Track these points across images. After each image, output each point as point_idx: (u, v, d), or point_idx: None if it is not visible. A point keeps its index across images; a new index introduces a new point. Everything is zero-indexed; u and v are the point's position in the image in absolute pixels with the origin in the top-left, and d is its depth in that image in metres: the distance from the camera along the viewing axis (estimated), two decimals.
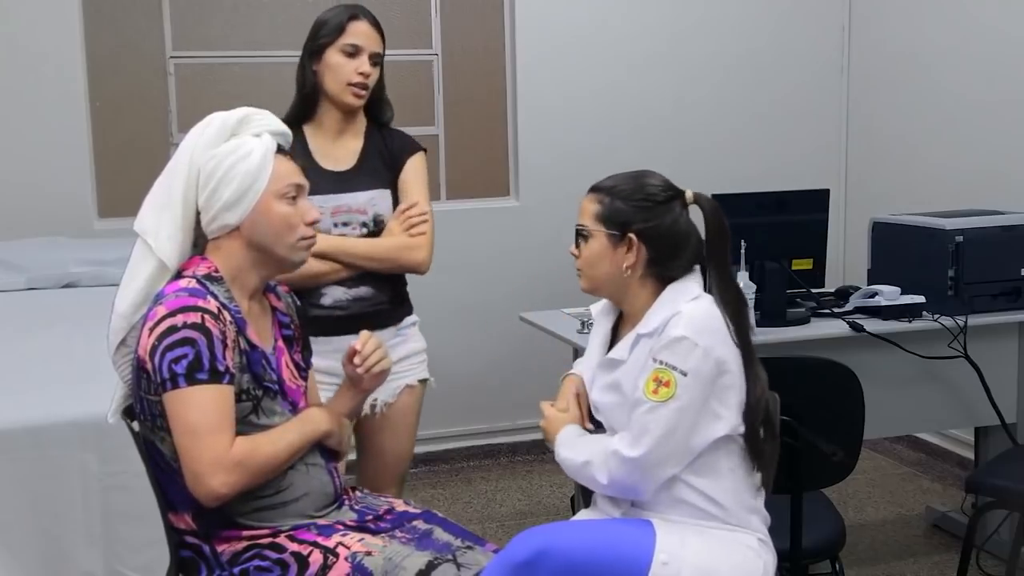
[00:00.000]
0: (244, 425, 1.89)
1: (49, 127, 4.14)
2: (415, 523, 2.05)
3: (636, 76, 4.77)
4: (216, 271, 1.94)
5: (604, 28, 4.73)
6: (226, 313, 1.88)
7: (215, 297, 1.88)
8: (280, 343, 2.06)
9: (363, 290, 2.61)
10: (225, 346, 1.84)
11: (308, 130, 2.63)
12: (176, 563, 1.95)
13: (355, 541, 1.90)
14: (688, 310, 1.96)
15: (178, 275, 1.94)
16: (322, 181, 2.54)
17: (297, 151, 2.56)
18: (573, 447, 2.07)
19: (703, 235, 2.06)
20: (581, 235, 2.07)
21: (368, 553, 1.87)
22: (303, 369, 2.11)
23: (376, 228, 2.61)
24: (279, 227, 1.95)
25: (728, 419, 1.96)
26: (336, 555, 1.86)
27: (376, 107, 2.68)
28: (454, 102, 4.70)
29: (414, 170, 2.66)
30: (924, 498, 4.16)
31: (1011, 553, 3.10)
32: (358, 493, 2.16)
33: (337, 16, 2.57)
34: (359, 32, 2.55)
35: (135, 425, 2.02)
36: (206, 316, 1.83)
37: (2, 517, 2.36)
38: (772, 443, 2.03)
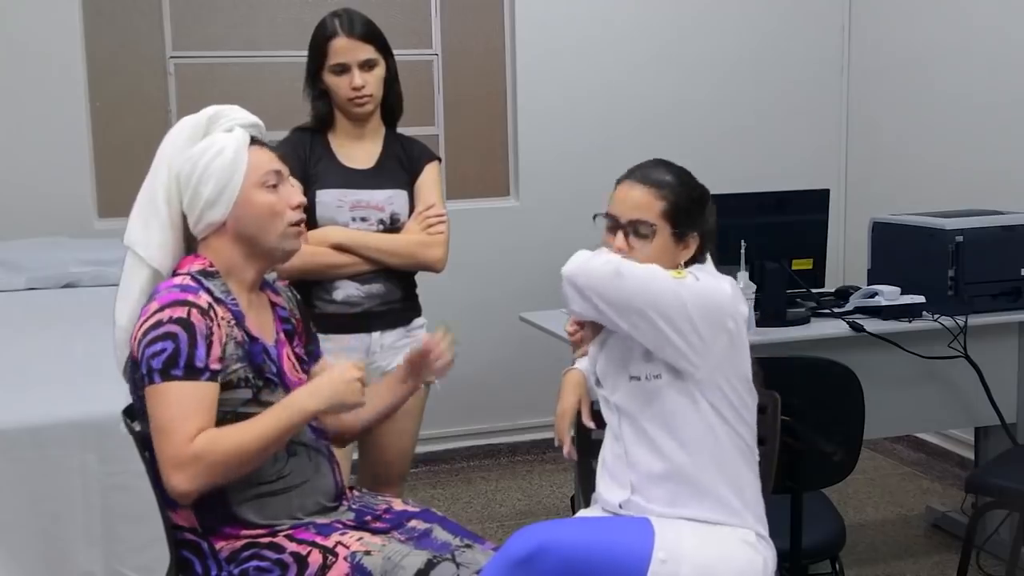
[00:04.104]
0: (243, 415, 1.88)
1: (49, 127, 4.14)
2: (413, 522, 2.05)
3: (636, 76, 4.77)
4: (211, 266, 1.95)
5: (604, 28, 4.73)
6: (219, 308, 1.89)
7: (209, 293, 1.89)
8: (282, 336, 2.06)
9: (376, 287, 2.64)
10: (210, 343, 1.84)
11: (330, 135, 2.70)
12: (176, 562, 1.95)
13: (354, 540, 1.90)
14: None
15: (174, 274, 1.95)
16: (343, 176, 2.64)
17: (320, 151, 2.62)
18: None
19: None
20: (640, 232, 2.00)
21: (367, 552, 1.86)
22: (305, 362, 2.11)
23: (392, 226, 2.66)
24: (264, 216, 1.95)
25: (690, 354, 1.93)
26: (335, 555, 1.86)
27: (389, 102, 2.72)
28: (454, 102, 4.70)
29: (431, 176, 2.73)
30: (924, 498, 4.15)
31: (1011, 553, 3.10)
32: (356, 493, 2.16)
33: (317, 37, 2.64)
34: (338, 49, 2.60)
35: (136, 424, 2.02)
36: (193, 311, 1.83)
37: (2, 517, 2.36)
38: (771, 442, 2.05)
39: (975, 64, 4.23)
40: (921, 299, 3.22)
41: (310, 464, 2.00)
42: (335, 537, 1.91)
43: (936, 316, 3.19)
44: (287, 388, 1.99)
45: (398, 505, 2.13)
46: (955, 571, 2.92)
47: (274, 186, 1.97)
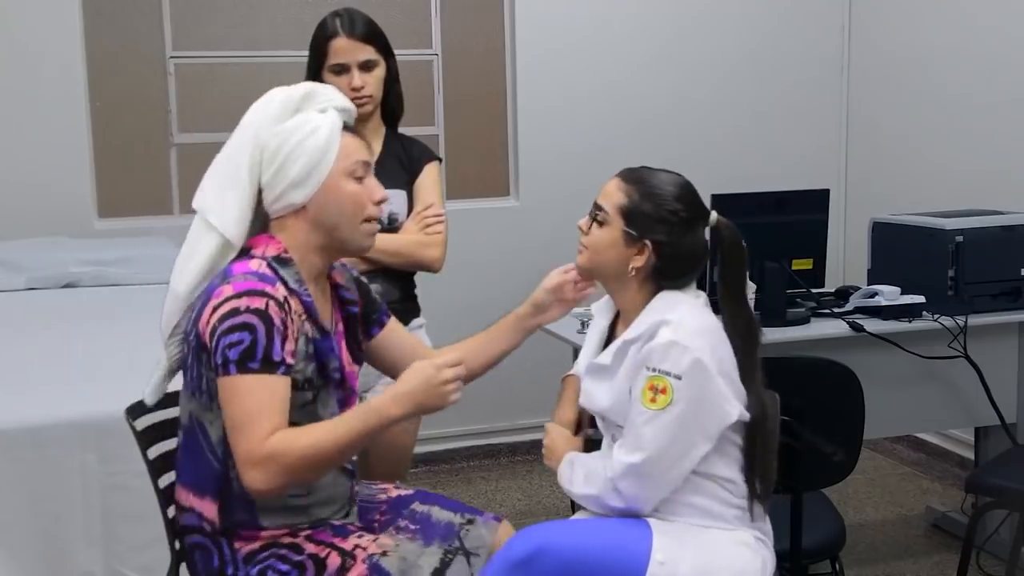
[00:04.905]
0: (304, 415, 1.84)
1: (49, 127, 4.13)
2: (413, 507, 2.06)
3: (636, 76, 4.77)
4: (285, 251, 1.89)
5: (604, 28, 4.73)
6: (294, 300, 1.84)
7: (285, 284, 1.84)
8: (341, 326, 2.02)
9: (373, 287, 2.63)
10: (285, 337, 1.78)
11: None
12: (190, 549, 1.93)
13: (371, 543, 1.91)
14: (677, 317, 1.95)
15: (245, 253, 1.89)
16: None
17: None
18: (574, 482, 2.07)
19: (720, 255, 2.06)
20: (597, 218, 2.04)
21: (384, 553, 1.88)
22: (360, 352, 2.08)
23: (390, 226, 2.66)
24: (348, 205, 1.90)
25: (735, 404, 1.96)
26: (353, 557, 1.87)
27: (389, 103, 2.72)
28: (454, 102, 4.70)
29: (430, 176, 2.72)
30: (924, 498, 4.15)
31: (1011, 553, 3.10)
32: (355, 487, 2.16)
33: (318, 36, 2.63)
34: (338, 50, 2.60)
35: (148, 419, 2.02)
36: (271, 303, 1.78)
37: (2, 517, 2.36)
38: (769, 461, 2.04)
39: (975, 64, 4.23)
40: (921, 299, 3.22)
41: (335, 480, 1.97)
42: (352, 539, 1.91)
43: (936, 316, 3.19)
44: (344, 382, 1.96)
45: (392, 492, 2.14)
46: (955, 571, 2.92)
47: (360, 177, 1.92)
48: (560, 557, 1.91)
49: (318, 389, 1.90)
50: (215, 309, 1.78)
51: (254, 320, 1.76)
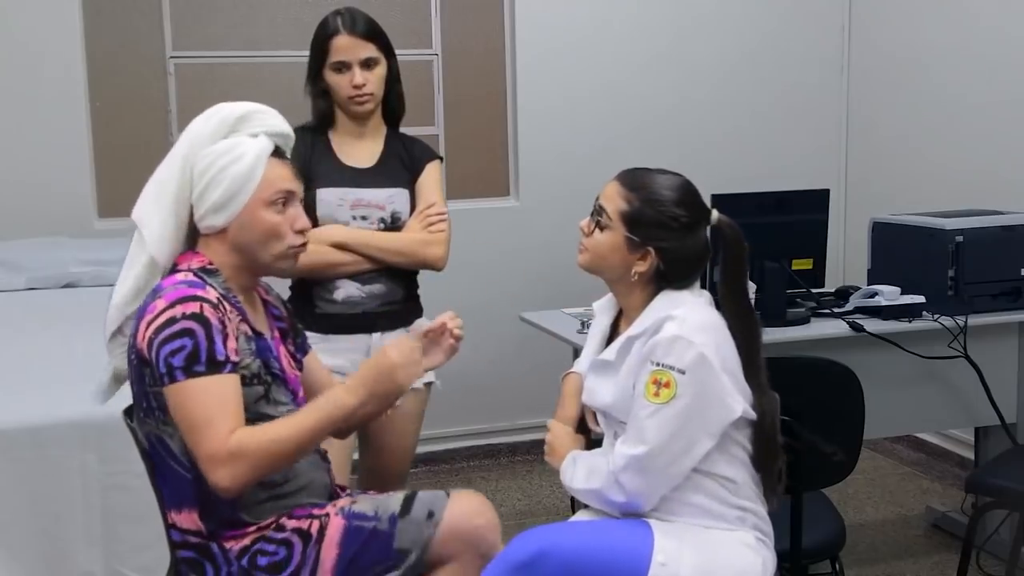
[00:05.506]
0: (256, 412, 1.86)
1: (49, 127, 4.14)
2: None
3: (636, 76, 4.78)
4: (210, 263, 1.93)
5: (604, 28, 4.73)
6: (226, 303, 1.87)
7: (214, 288, 1.87)
8: (277, 334, 2.06)
9: (377, 287, 2.64)
10: (225, 335, 1.81)
11: (331, 133, 2.70)
12: (184, 562, 1.94)
13: (340, 501, 1.98)
14: (681, 313, 1.96)
15: (174, 269, 1.92)
16: (344, 175, 2.65)
17: (321, 150, 2.63)
18: (575, 478, 2.07)
19: (722, 251, 2.06)
20: (599, 221, 2.04)
21: (355, 502, 1.95)
22: (297, 360, 2.11)
23: (393, 224, 2.67)
24: (265, 235, 1.93)
25: (739, 400, 1.96)
26: (328, 515, 1.92)
27: (390, 103, 2.73)
28: (454, 102, 4.70)
29: (432, 175, 2.73)
30: (924, 498, 4.15)
31: (1011, 553, 3.10)
32: (346, 492, 2.17)
33: (319, 35, 2.63)
34: (340, 47, 2.60)
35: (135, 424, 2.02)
36: (205, 305, 1.81)
37: (2, 517, 2.36)
38: (773, 458, 2.04)
39: (975, 64, 4.23)
40: (921, 299, 3.22)
41: (311, 466, 2.02)
42: (328, 507, 1.96)
43: (936, 316, 3.19)
44: (287, 384, 1.99)
45: None
46: (955, 571, 2.91)
47: (283, 204, 1.94)
48: (561, 559, 1.91)
49: (268, 385, 1.92)
50: (150, 323, 1.80)
51: (192, 325, 1.78)
